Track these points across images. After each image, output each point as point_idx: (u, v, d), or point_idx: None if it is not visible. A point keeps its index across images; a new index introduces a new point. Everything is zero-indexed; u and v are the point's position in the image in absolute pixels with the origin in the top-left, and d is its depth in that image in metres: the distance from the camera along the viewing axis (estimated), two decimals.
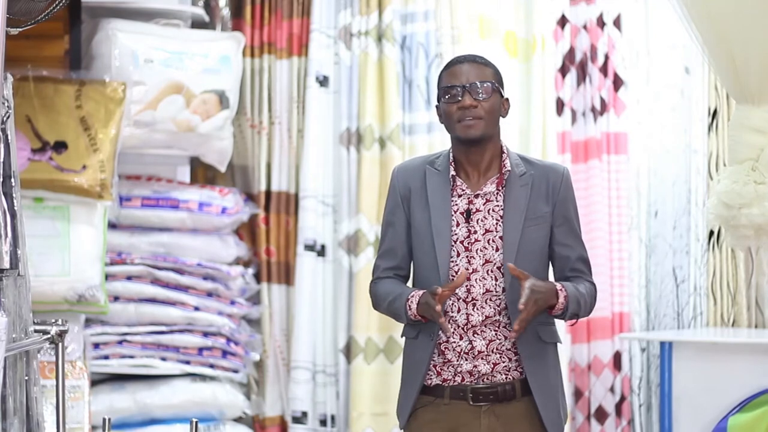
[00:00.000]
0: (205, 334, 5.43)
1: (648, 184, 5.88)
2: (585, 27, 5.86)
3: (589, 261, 3.67)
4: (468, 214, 3.54)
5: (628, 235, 5.81)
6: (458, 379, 3.54)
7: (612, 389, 5.78)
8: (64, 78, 5.04)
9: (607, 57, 5.83)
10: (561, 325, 5.69)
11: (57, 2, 3.39)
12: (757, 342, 5.29)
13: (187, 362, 5.42)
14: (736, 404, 5.04)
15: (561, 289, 3.51)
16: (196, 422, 3.50)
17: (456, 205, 3.55)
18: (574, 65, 5.87)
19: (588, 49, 5.85)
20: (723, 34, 4.07)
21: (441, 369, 3.56)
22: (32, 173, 4.81)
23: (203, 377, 5.43)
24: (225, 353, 5.46)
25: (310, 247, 5.72)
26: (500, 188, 3.55)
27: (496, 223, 3.53)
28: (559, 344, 3.64)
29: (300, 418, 5.69)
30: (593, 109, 5.84)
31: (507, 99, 3.59)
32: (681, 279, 5.81)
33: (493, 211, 3.54)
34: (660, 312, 5.86)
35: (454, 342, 3.54)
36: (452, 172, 3.56)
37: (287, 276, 5.82)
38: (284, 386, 5.77)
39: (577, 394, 5.83)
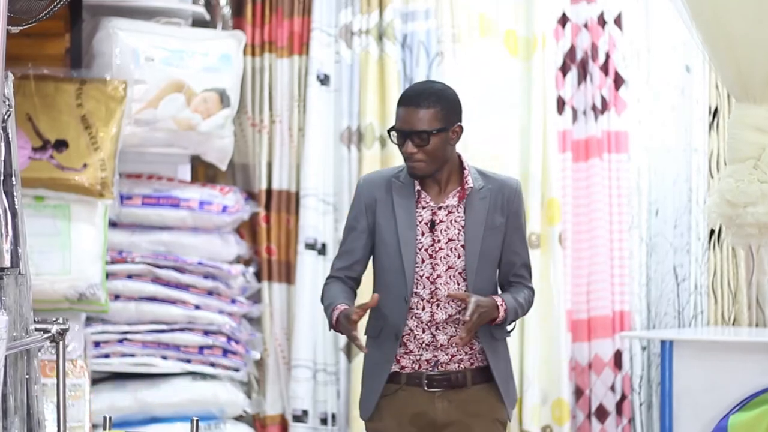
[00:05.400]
0: (206, 333, 5.43)
1: (649, 182, 5.88)
2: (586, 25, 5.85)
3: (530, 267, 4.00)
4: (432, 225, 3.84)
5: (629, 233, 5.81)
6: (416, 366, 3.86)
7: (613, 388, 5.78)
8: (64, 76, 5.04)
9: (607, 55, 5.83)
10: (562, 324, 5.69)
11: (58, 1, 3.39)
12: (757, 341, 5.29)
13: (188, 361, 5.42)
14: (737, 403, 5.04)
15: (501, 304, 3.83)
16: (197, 421, 3.50)
17: (420, 216, 3.85)
18: (575, 64, 5.87)
19: (589, 48, 5.85)
20: (727, 34, 4.06)
21: (401, 357, 3.87)
22: (33, 172, 4.81)
23: (204, 376, 5.43)
24: (226, 352, 5.46)
25: (310, 246, 5.72)
26: (461, 201, 3.84)
27: (458, 233, 3.84)
28: (507, 338, 3.96)
29: (300, 417, 5.70)
30: (594, 108, 5.84)
31: (459, 126, 3.82)
32: (682, 278, 5.81)
33: (455, 221, 3.85)
34: (661, 311, 5.86)
35: (418, 335, 3.85)
36: (417, 187, 3.84)
37: (288, 274, 5.82)
38: (285, 385, 5.77)
39: (578, 392, 5.83)
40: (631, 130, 5.87)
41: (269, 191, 5.84)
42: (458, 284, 3.84)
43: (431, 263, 3.83)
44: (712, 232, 5.70)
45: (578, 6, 5.86)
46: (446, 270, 3.84)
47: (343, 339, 5.70)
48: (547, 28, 5.79)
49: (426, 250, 3.84)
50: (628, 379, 5.80)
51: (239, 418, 5.60)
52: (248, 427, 5.62)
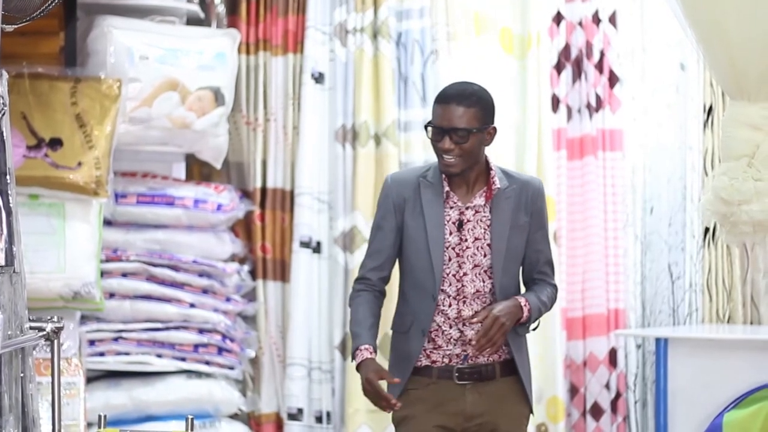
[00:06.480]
0: (201, 331, 5.42)
1: (643, 180, 5.88)
2: (580, 23, 5.86)
3: (553, 263, 4.16)
4: (460, 224, 3.96)
5: (624, 231, 5.82)
6: (446, 360, 3.98)
7: (608, 386, 5.78)
8: (59, 75, 5.03)
9: (602, 53, 5.84)
10: (557, 322, 5.69)
11: None
12: (752, 338, 5.30)
13: (183, 359, 5.41)
14: (732, 401, 5.04)
15: (525, 304, 3.97)
16: (192, 419, 3.50)
17: (449, 215, 3.96)
18: (570, 62, 5.87)
19: (583, 46, 5.85)
20: (721, 32, 4.07)
21: (431, 353, 3.99)
22: (27, 170, 4.80)
23: (199, 374, 5.43)
24: (220, 350, 5.45)
25: (305, 244, 5.71)
26: (488, 201, 3.96)
27: (484, 232, 3.96)
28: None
29: (296, 415, 5.69)
30: (589, 106, 5.84)
31: (494, 128, 3.94)
32: (676, 275, 5.81)
33: (482, 221, 3.97)
34: (655, 308, 5.87)
35: (446, 330, 3.97)
36: (446, 188, 3.95)
37: (282, 273, 5.81)
38: (280, 383, 5.77)
39: (573, 390, 5.83)
40: (626, 128, 5.87)
41: (264, 189, 5.83)
42: (484, 282, 3.96)
43: (458, 261, 3.95)
44: (706, 229, 5.70)
45: (573, 4, 5.86)
46: (472, 268, 3.96)
47: (338, 337, 5.70)
48: (541, 26, 5.80)
49: (453, 248, 3.96)
50: (623, 377, 5.81)
51: (234, 417, 5.59)
52: (243, 425, 5.62)
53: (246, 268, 5.70)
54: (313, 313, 5.71)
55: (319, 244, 5.74)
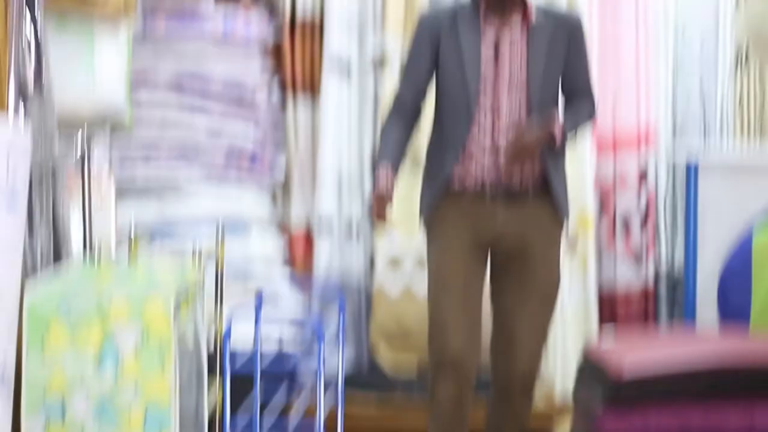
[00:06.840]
0: (232, 146, 5.46)
1: (675, 4, 5.82)
2: None
3: (592, 91, 4.21)
4: (497, 55, 4.03)
5: (656, 54, 5.78)
6: (479, 185, 4.06)
7: (638, 204, 5.81)
8: None
9: None
10: (587, 140, 5.69)
11: None
12: None
13: (213, 174, 5.46)
14: (761, 214, 5.06)
15: (558, 128, 4.00)
16: (222, 224, 3.55)
17: (485, 45, 4.04)
18: None
19: None
20: None
21: (464, 177, 4.09)
22: None
23: (229, 188, 5.48)
24: (251, 164, 5.49)
25: (335, 66, 5.69)
26: (524, 32, 4.04)
27: (520, 62, 4.03)
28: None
29: (325, 225, 5.72)
30: None
31: None
32: (708, 96, 5.80)
33: (519, 49, 4.04)
34: (687, 125, 5.86)
35: (480, 156, 4.07)
36: (483, 20, 4.03)
37: (312, 93, 5.78)
38: (310, 196, 5.79)
39: (603, 207, 5.85)
40: None
41: (293, 16, 5.78)
42: (519, 110, 4.04)
43: (494, 89, 4.03)
44: (739, 51, 5.68)
45: None
46: (508, 96, 4.04)
47: (368, 149, 5.70)
48: None
49: (489, 74, 4.03)
50: (653, 195, 5.82)
51: (265, 229, 5.65)
52: (274, 237, 5.67)
53: (275, 87, 5.71)
54: (343, 129, 5.72)
55: (349, 65, 5.73)
